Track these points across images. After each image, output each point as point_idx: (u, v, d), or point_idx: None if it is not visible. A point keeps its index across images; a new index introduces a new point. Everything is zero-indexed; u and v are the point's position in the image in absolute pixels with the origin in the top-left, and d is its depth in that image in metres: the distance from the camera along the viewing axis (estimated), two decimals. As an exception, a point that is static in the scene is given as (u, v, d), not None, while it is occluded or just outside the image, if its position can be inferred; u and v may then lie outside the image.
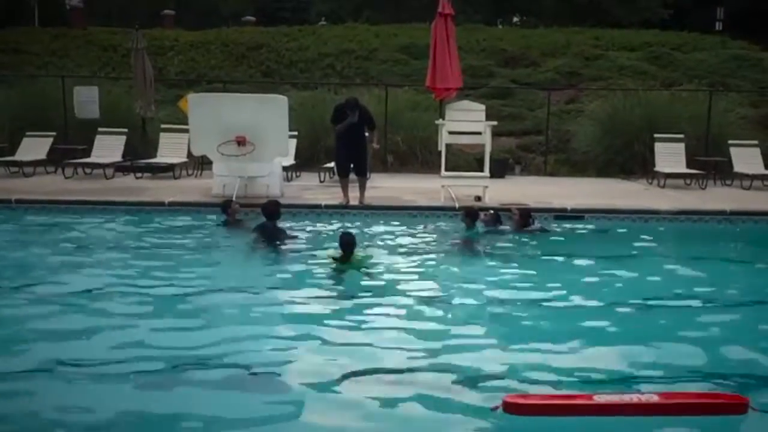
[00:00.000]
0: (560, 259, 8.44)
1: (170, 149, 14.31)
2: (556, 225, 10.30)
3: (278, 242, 8.65)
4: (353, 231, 8.19)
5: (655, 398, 4.00)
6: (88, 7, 30.19)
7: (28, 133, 14.45)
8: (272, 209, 8.99)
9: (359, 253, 7.73)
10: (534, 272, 7.73)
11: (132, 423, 4.14)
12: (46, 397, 4.43)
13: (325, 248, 8.05)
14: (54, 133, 14.57)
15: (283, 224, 9.17)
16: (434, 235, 9.68)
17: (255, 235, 8.82)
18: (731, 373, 4.91)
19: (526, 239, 9.37)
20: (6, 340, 5.34)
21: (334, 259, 7.58)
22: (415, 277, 7.45)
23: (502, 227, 9.70)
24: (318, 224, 10.15)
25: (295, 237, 9.08)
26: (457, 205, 10.74)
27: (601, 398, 4.01)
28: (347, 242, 7.52)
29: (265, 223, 8.90)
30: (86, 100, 14.92)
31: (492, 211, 9.93)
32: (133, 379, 4.68)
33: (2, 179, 13.42)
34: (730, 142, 14.40)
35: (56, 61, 20.65)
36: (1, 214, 10.45)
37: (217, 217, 9.89)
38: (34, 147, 14.24)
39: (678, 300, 6.77)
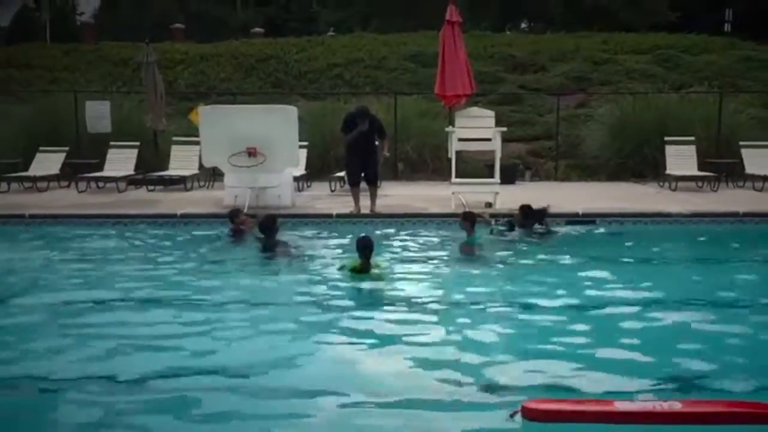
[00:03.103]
0: (573, 263, 8.39)
1: (182, 161, 14.41)
2: (568, 228, 10.31)
3: (281, 253, 8.65)
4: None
5: (678, 406, 3.88)
6: (98, 23, 30.49)
7: (41, 149, 14.57)
8: (266, 224, 8.83)
9: (378, 262, 7.67)
10: (546, 277, 7.68)
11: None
12: (58, 407, 4.49)
13: (342, 264, 7.88)
14: (67, 148, 14.67)
15: (292, 234, 9.17)
16: (445, 242, 9.66)
17: (256, 245, 8.88)
18: (750, 378, 4.83)
19: (534, 243, 9.37)
20: (20, 352, 5.39)
21: (353, 270, 7.46)
22: (428, 284, 7.44)
23: (514, 233, 9.73)
24: (330, 234, 10.17)
25: (298, 248, 9.08)
26: (473, 212, 10.73)
27: (622, 405, 3.94)
28: (365, 245, 7.36)
29: (262, 237, 8.86)
30: (98, 114, 15.06)
31: (507, 219, 9.95)
32: (145, 388, 4.72)
33: (16, 194, 13.54)
34: (741, 143, 14.33)
35: (68, 76, 20.86)
36: (16, 229, 10.54)
37: (222, 230, 9.95)
38: (47, 162, 14.36)
39: (691, 303, 6.73)
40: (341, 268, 7.71)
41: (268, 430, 4.19)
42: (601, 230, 10.42)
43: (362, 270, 7.38)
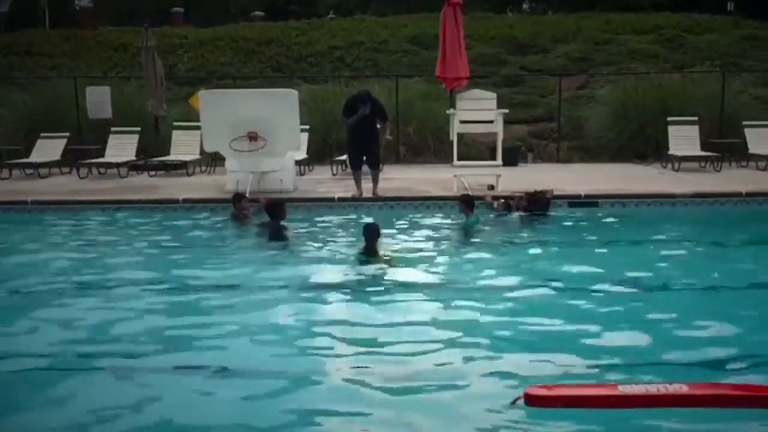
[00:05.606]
0: (573, 245, 8.40)
1: (183, 147, 14.38)
2: (569, 210, 10.30)
3: (284, 237, 8.64)
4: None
5: (684, 389, 3.84)
6: (97, 8, 30.33)
7: (42, 135, 14.52)
8: (273, 209, 8.79)
9: (388, 247, 7.68)
10: (545, 259, 7.71)
11: (146, 420, 4.17)
12: (63, 391, 4.51)
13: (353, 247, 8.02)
14: (68, 134, 14.63)
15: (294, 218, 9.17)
16: (446, 225, 9.66)
17: (259, 229, 8.88)
18: (755, 361, 4.80)
19: (533, 225, 9.37)
20: (24, 339, 5.41)
21: (360, 253, 7.54)
22: (429, 267, 7.43)
23: (513, 215, 9.72)
24: (332, 217, 10.16)
25: (300, 232, 9.07)
26: (470, 194, 10.72)
27: (626, 389, 3.89)
28: (369, 231, 7.49)
29: (268, 221, 8.86)
30: (99, 100, 15.00)
31: (503, 200, 9.94)
32: (149, 374, 4.75)
33: (18, 181, 13.55)
34: (744, 123, 14.26)
35: (68, 62, 20.80)
36: (18, 216, 10.55)
37: (225, 213, 9.94)
38: (49, 148, 14.32)
39: (695, 284, 6.73)
40: (350, 252, 7.83)
41: (274, 411, 4.19)
42: (604, 212, 10.39)
43: (367, 253, 7.45)
